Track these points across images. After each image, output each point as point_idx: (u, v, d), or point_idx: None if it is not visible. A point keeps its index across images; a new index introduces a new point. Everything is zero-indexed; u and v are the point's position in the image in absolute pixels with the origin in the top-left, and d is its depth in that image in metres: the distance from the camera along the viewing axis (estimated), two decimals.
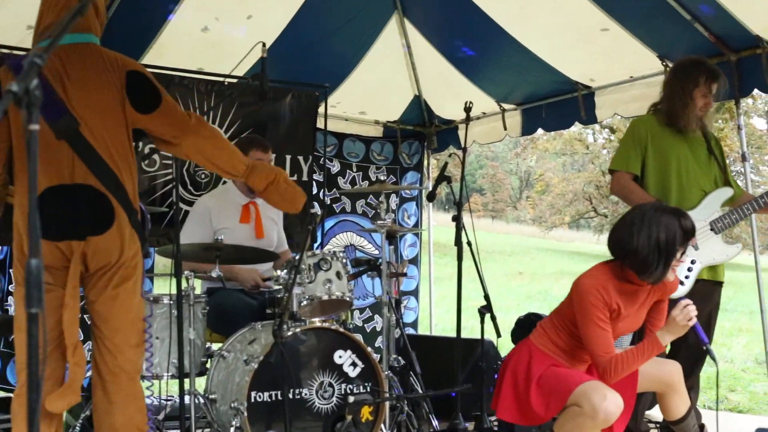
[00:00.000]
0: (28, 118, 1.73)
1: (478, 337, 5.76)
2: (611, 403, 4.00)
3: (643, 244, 4.12)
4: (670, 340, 4.15)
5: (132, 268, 3.99)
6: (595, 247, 46.83)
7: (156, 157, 6.83)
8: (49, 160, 3.80)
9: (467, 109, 5.50)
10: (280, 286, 5.18)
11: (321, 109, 7.55)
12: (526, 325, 7.04)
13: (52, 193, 3.81)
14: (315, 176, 7.81)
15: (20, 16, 5.88)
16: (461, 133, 8.72)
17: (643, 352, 4.10)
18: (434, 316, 9.51)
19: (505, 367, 4.50)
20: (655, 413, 5.69)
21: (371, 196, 8.77)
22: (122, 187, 3.95)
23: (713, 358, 4.22)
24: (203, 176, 7.10)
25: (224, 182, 6.67)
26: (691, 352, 5.12)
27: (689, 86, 5.13)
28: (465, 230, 5.36)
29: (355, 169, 8.81)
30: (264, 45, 4.48)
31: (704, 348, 4.24)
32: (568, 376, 4.23)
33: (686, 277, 4.94)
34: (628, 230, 4.19)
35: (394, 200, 8.98)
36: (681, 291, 4.88)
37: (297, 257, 4.87)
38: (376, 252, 8.71)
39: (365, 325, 8.71)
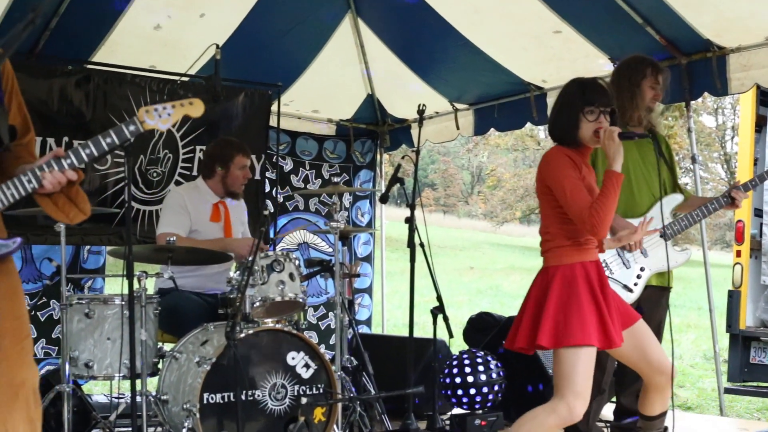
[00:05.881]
0: None
1: (430, 335, 5.81)
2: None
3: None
4: (618, 163, 3.98)
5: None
6: None
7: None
8: None
9: (420, 112, 5.51)
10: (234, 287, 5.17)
11: (274, 108, 7.55)
12: (478, 325, 7.12)
13: None
14: (267, 174, 7.80)
15: None
16: (414, 132, 8.72)
17: (607, 189, 3.96)
18: (386, 311, 9.53)
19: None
20: (605, 412, 5.77)
21: (324, 194, 8.75)
22: None
23: None
24: (155, 175, 7.06)
25: (192, 179, 6.58)
26: None
27: (637, 78, 5.07)
28: (417, 231, 5.38)
29: (308, 167, 8.80)
30: (218, 47, 4.47)
31: None
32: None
33: (635, 284, 4.96)
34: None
35: (347, 198, 8.97)
36: (630, 297, 4.91)
37: (250, 258, 4.87)
38: (330, 249, 8.71)
39: (319, 322, 8.70)
